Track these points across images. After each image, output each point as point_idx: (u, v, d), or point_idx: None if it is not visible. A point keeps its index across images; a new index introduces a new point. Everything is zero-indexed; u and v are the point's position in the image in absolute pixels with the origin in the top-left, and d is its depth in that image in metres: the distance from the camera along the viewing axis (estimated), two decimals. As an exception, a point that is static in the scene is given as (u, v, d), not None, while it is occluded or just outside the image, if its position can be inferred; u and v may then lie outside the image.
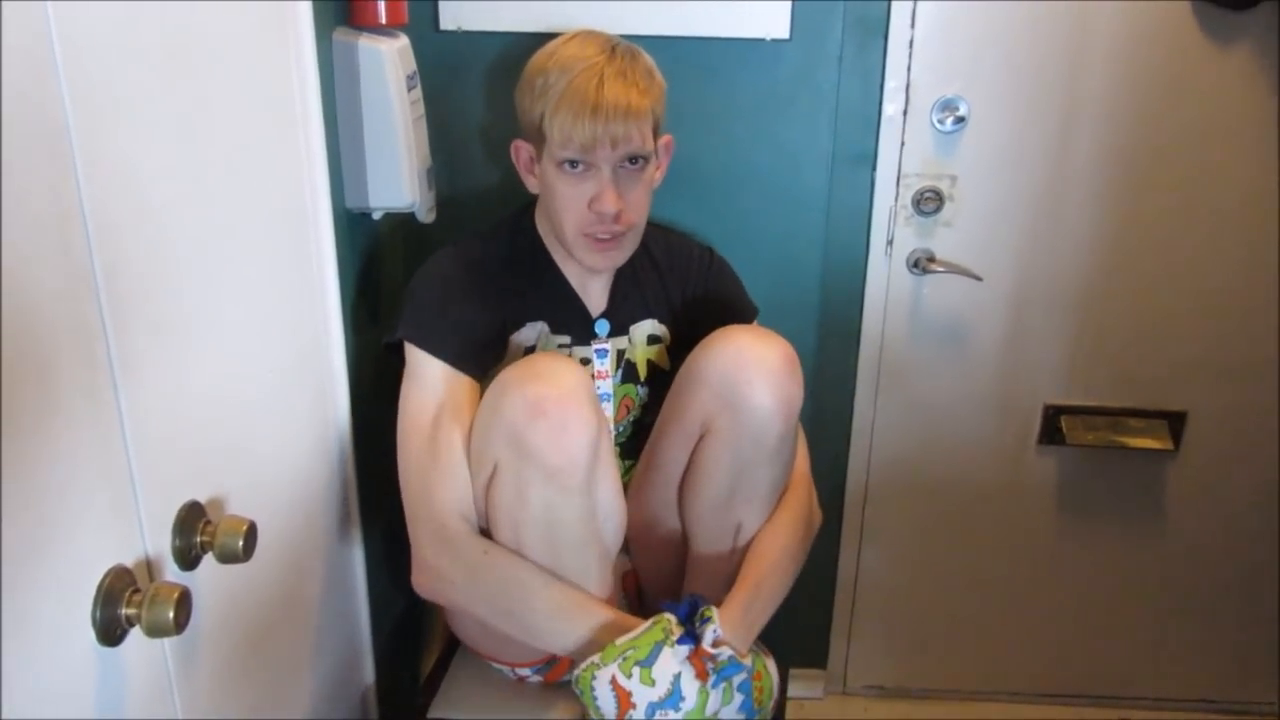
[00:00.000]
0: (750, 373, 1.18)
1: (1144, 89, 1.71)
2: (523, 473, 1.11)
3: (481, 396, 1.19)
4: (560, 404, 1.08)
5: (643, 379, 1.40)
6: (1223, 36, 1.67)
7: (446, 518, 1.20)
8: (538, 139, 1.26)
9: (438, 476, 1.21)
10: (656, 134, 1.28)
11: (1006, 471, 1.98)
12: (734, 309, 1.41)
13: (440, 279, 1.30)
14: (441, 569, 1.22)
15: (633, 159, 1.24)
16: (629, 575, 1.40)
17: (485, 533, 1.22)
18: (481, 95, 1.57)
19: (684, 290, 1.41)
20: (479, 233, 1.38)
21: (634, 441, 1.40)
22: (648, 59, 1.27)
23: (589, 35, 1.27)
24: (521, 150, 1.31)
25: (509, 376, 1.12)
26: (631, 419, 1.41)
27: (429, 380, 1.24)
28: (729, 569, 1.30)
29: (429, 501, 1.21)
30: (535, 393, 1.08)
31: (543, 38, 1.48)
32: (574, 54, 1.23)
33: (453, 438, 1.20)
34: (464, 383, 1.24)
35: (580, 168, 1.23)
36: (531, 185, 1.32)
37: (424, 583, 1.25)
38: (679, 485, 1.31)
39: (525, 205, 1.38)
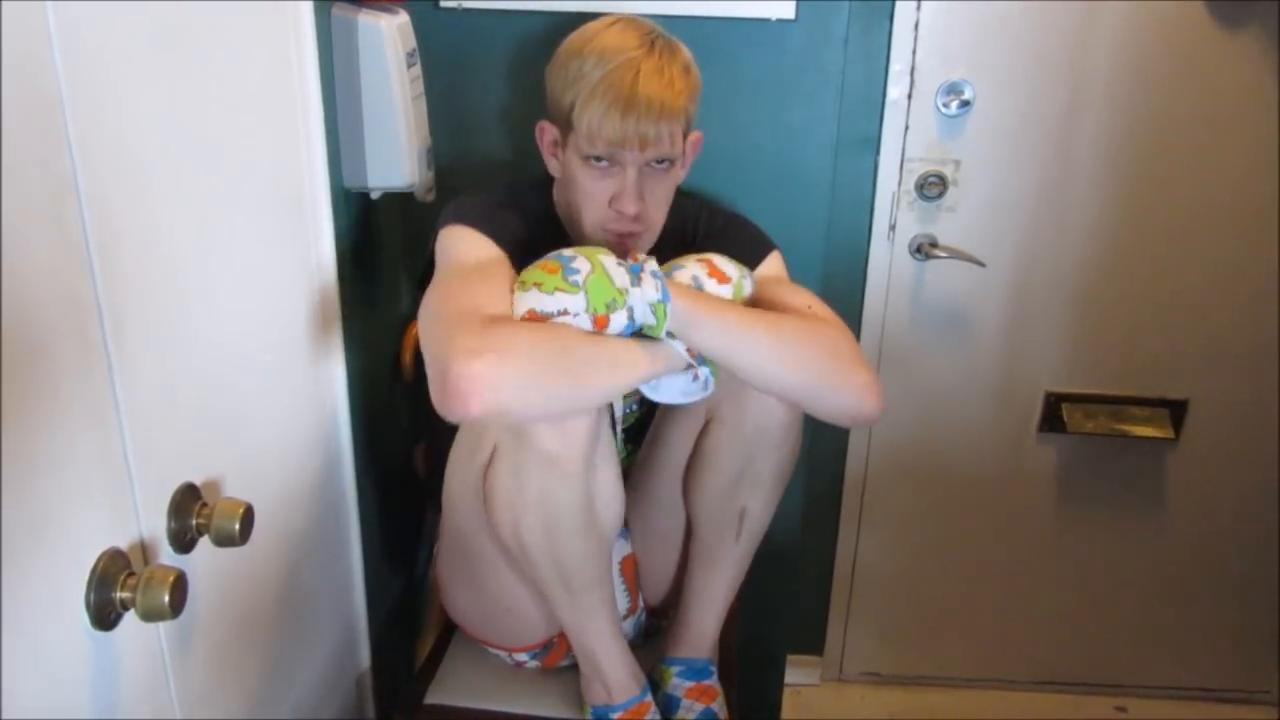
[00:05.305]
0: None
1: (1149, 76, 1.70)
2: (521, 458, 1.10)
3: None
4: None
5: None
6: (1228, 23, 1.66)
7: (490, 311, 1.05)
8: (565, 126, 1.22)
9: (480, 284, 1.09)
10: (687, 132, 1.24)
11: (1006, 459, 1.98)
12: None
13: (484, 195, 1.27)
14: (499, 344, 1.01)
15: (659, 160, 1.20)
16: (628, 560, 1.39)
17: (480, 515, 1.21)
18: (482, 74, 1.55)
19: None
20: (502, 184, 1.34)
21: (642, 427, 1.39)
22: (686, 53, 1.23)
23: (629, 23, 1.22)
24: (546, 132, 1.27)
25: None
26: (640, 398, 1.39)
27: (472, 242, 1.18)
28: (733, 554, 1.29)
29: (468, 298, 1.07)
30: None
31: (544, 17, 1.46)
32: (612, 43, 1.18)
33: (496, 274, 1.11)
34: (508, 264, 1.16)
35: (605, 164, 1.19)
36: (553, 168, 1.29)
37: (472, 374, 0.98)
38: (683, 472, 1.30)
39: (538, 182, 1.35)
